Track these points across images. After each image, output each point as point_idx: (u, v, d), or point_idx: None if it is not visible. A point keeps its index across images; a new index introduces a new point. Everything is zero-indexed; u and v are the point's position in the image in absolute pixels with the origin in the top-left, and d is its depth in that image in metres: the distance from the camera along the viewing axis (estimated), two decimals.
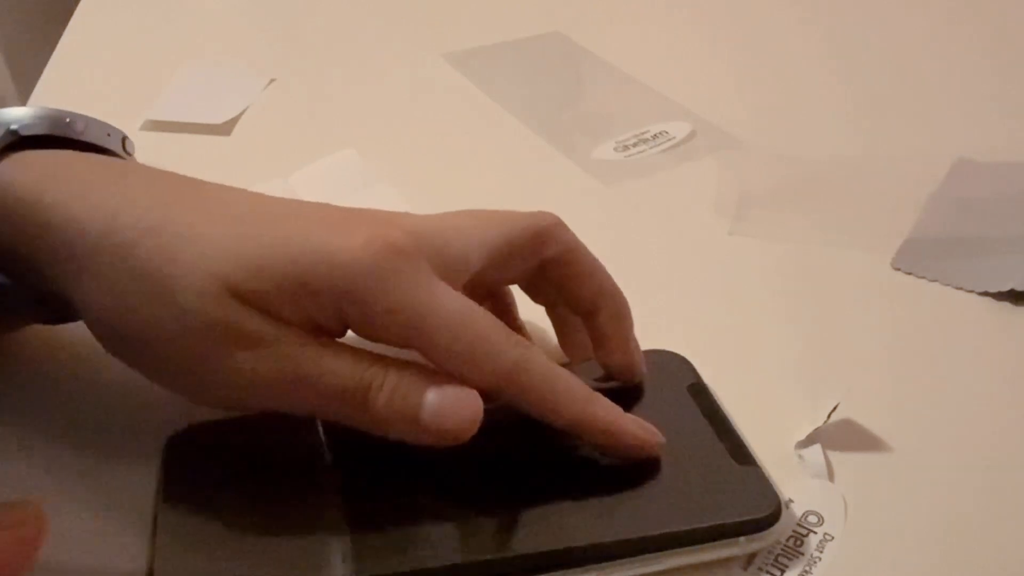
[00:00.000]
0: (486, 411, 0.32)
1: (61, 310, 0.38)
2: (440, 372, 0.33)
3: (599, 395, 0.35)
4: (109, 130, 0.39)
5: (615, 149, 0.56)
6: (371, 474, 0.35)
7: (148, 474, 0.36)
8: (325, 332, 0.33)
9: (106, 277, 0.33)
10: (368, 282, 0.32)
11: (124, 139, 0.40)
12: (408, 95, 0.63)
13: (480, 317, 0.33)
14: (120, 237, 0.33)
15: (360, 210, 0.36)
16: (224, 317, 0.32)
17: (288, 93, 0.63)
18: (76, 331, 0.42)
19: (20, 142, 0.36)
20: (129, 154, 0.40)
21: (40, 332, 0.42)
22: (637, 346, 0.39)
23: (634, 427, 0.35)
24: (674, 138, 0.56)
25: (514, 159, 0.56)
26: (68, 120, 0.37)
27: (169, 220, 0.33)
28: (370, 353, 0.33)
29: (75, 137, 0.37)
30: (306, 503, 0.34)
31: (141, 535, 0.34)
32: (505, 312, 0.41)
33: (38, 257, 0.34)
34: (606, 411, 0.35)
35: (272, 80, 0.64)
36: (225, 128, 0.59)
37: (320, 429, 0.36)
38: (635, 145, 0.56)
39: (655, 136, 0.56)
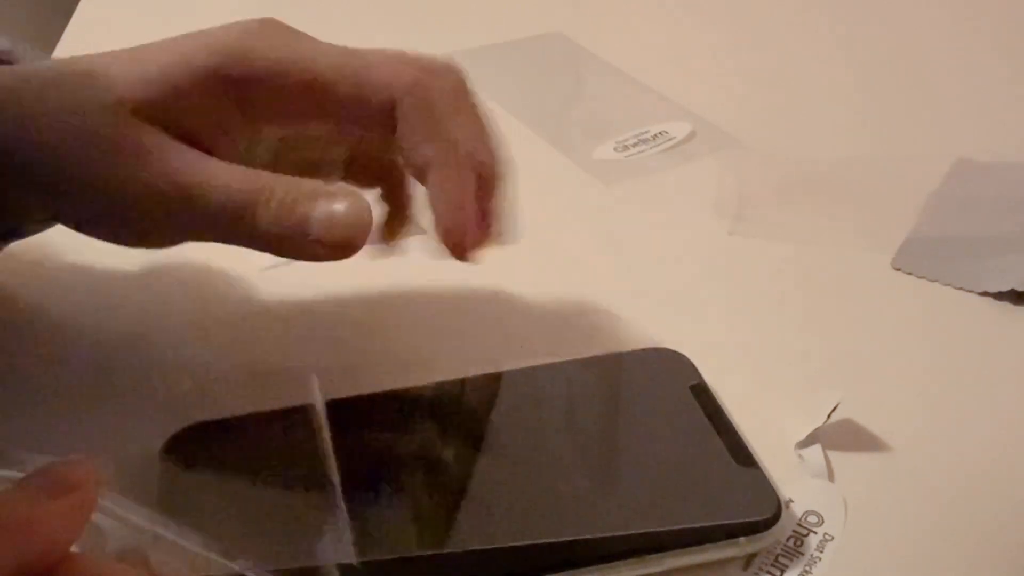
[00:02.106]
0: (484, 406, 0.33)
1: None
2: (328, 186, 0.33)
3: None
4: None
5: (615, 149, 0.55)
6: (371, 467, 0.35)
7: (146, 474, 0.36)
8: (224, 144, 0.35)
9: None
10: (262, 35, 0.36)
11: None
12: None
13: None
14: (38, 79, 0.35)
15: None
16: (124, 134, 0.34)
17: None
18: (76, 331, 0.42)
19: None
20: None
21: (39, 332, 0.42)
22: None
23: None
24: (674, 138, 0.56)
25: (514, 159, 0.56)
26: None
27: (77, 61, 0.36)
28: (256, 171, 0.34)
29: None
30: (306, 499, 0.34)
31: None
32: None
33: None
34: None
35: None
36: None
37: (324, 421, 0.36)
38: (635, 145, 0.56)
39: (655, 136, 0.56)
